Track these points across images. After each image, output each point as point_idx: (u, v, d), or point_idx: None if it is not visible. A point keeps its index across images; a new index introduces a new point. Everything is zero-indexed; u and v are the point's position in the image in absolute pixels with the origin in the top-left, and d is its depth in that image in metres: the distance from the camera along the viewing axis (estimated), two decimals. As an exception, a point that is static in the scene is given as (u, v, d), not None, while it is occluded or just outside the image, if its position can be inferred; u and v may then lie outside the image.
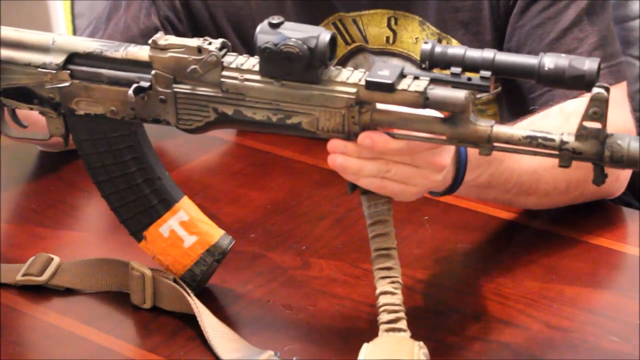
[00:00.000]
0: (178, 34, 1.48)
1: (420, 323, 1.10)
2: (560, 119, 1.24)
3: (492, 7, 1.37)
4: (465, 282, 1.17)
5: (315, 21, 1.44)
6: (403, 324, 1.02)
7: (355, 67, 1.46)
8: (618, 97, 1.28)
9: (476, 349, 1.07)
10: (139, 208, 1.12)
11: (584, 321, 1.11)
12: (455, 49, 0.97)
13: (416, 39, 1.42)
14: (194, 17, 1.48)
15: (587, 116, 0.93)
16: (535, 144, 0.96)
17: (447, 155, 1.05)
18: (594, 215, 1.28)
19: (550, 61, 0.95)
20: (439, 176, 1.05)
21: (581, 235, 1.25)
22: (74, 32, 2.24)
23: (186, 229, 1.13)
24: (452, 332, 1.09)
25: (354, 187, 1.04)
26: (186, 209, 1.13)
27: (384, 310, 1.02)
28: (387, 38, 1.43)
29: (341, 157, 1.02)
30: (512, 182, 1.19)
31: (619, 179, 1.28)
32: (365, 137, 1.00)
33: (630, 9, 1.59)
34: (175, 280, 1.13)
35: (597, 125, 0.93)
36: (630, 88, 1.60)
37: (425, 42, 0.98)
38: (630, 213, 1.31)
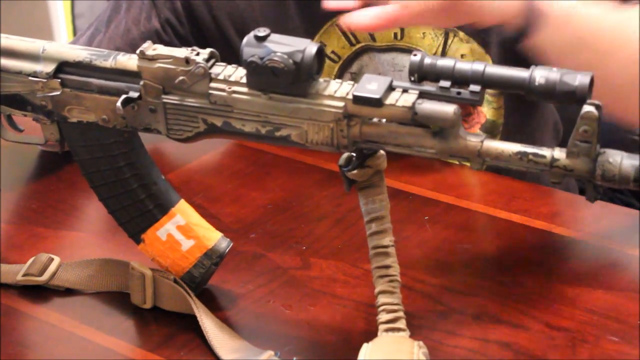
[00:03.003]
0: (179, 36, 1.48)
1: (420, 323, 1.10)
2: None
3: None
4: (465, 282, 1.17)
5: (319, 22, 1.44)
6: (402, 324, 1.02)
7: (361, 68, 1.47)
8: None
9: (476, 349, 1.07)
10: (135, 212, 1.12)
11: (584, 321, 1.11)
12: (445, 60, 0.96)
13: (423, 33, 1.42)
14: (196, 20, 1.48)
15: (577, 134, 0.92)
16: (526, 160, 0.95)
17: None
18: (594, 215, 1.28)
19: (540, 75, 0.94)
20: None
21: (581, 235, 1.25)
22: (74, 33, 2.25)
23: (183, 232, 1.13)
24: (452, 332, 1.09)
25: (350, 184, 1.04)
26: (183, 214, 1.13)
27: (383, 310, 1.02)
28: (395, 34, 1.44)
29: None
30: None
31: None
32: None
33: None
34: (175, 281, 1.13)
35: (588, 143, 0.93)
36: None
37: (414, 54, 0.97)
38: (630, 213, 1.31)
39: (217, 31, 1.47)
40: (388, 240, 1.03)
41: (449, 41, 1.42)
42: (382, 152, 1.03)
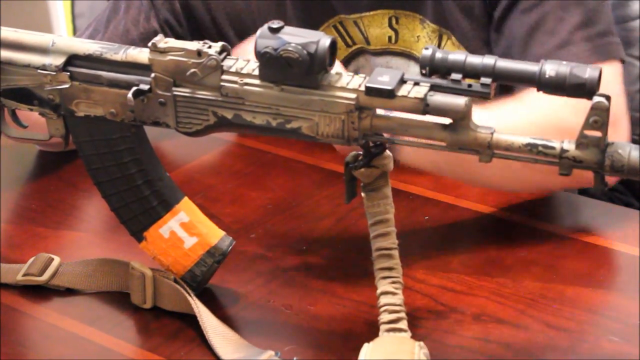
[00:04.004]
0: (178, 37, 1.47)
1: (420, 323, 1.10)
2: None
3: None
4: (465, 282, 1.17)
5: (316, 24, 1.44)
6: (404, 324, 1.02)
7: (357, 69, 1.47)
8: (606, 75, 1.27)
9: (476, 349, 1.07)
10: (139, 209, 1.12)
11: (584, 321, 1.11)
12: (456, 55, 0.97)
13: (417, 37, 1.42)
14: (195, 20, 1.48)
15: (587, 125, 0.93)
16: (535, 152, 0.95)
17: None
18: (594, 215, 1.28)
19: (551, 68, 0.94)
20: None
21: (581, 235, 1.25)
22: (74, 32, 2.24)
23: (186, 230, 1.13)
24: (452, 332, 1.10)
25: (351, 195, 1.04)
26: (186, 211, 1.13)
27: (384, 311, 1.02)
28: (389, 38, 1.44)
29: None
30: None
31: None
32: None
33: (631, 9, 1.59)
34: (176, 280, 1.13)
35: (597, 133, 0.93)
36: (631, 88, 1.60)
37: (426, 48, 0.97)
38: (630, 213, 1.31)
39: (216, 32, 1.47)
40: (391, 242, 1.03)
41: (442, 44, 1.42)
42: (388, 152, 1.03)
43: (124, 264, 1.16)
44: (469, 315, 1.12)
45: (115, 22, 1.47)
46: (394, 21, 1.42)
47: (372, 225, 1.04)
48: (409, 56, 1.44)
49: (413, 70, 1.43)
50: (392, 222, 1.04)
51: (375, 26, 1.43)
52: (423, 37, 1.42)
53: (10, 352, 1.09)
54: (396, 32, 1.43)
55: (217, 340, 1.06)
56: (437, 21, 1.40)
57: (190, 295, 1.11)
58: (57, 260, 1.19)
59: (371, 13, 1.43)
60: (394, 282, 1.02)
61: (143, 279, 1.13)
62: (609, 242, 1.23)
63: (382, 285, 1.03)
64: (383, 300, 1.02)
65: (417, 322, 1.10)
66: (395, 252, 1.03)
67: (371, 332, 1.03)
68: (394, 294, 1.02)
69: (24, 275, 1.18)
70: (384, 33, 1.43)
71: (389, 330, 1.02)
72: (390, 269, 1.03)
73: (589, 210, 1.28)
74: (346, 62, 1.48)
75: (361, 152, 1.03)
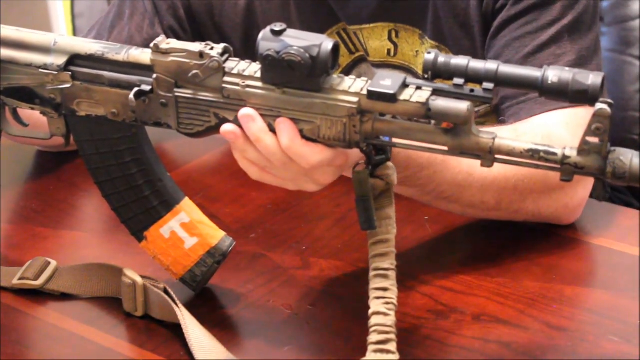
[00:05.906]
0: None
1: (421, 323, 1.10)
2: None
3: (479, 7, 1.36)
4: (465, 282, 1.17)
5: (320, 30, 1.44)
6: (392, 346, 1.00)
7: (359, 76, 1.46)
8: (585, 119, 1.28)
9: (476, 349, 1.07)
10: (139, 209, 1.13)
11: (584, 321, 1.11)
12: (459, 59, 0.96)
13: (416, 52, 1.42)
14: (198, 27, 1.47)
15: (589, 131, 0.92)
16: (537, 158, 0.95)
17: (330, 175, 1.05)
18: (594, 215, 1.28)
19: (554, 74, 0.94)
20: (315, 188, 1.07)
21: (581, 235, 1.25)
22: (74, 32, 2.25)
23: (187, 230, 1.13)
24: (452, 332, 1.10)
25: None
26: (187, 211, 1.13)
27: (374, 331, 1.00)
28: (388, 51, 1.43)
29: (236, 129, 1.03)
30: (430, 187, 1.18)
31: (568, 206, 1.24)
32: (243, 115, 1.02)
33: (630, 9, 1.59)
34: (166, 291, 1.11)
35: (599, 140, 0.93)
36: (630, 88, 1.60)
37: (429, 52, 0.97)
38: (630, 213, 1.31)
39: (219, 38, 1.47)
40: (389, 263, 1.02)
41: None
42: (391, 164, 1.03)
43: (118, 270, 1.15)
44: (469, 315, 1.12)
45: (119, 28, 1.46)
46: (393, 34, 1.42)
47: (371, 244, 1.03)
48: (407, 70, 1.43)
49: None
50: (392, 242, 1.03)
51: (375, 38, 1.43)
52: (422, 53, 1.42)
53: (10, 352, 1.09)
54: (395, 45, 1.42)
55: (200, 354, 1.04)
56: (435, 38, 1.39)
57: (177, 307, 1.09)
58: (53, 264, 1.18)
59: (371, 25, 1.42)
60: (387, 303, 1.00)
61: (134, 287, 1.12)
62: (609, 242, 1.23)
63: (375, 306, 1.01)
64: (374, 320, 1.00)
65: (417, 322, 1.10)
66: (392, 274, 1.02)
67: (371, 332, 1.03)
68: (385, 314, 1.00)
69: (20, 279, 1.17)
70: (383, 46, 1.43)
71: (376, 351, 0.99)
72: (385, 289, 1.01)
73: (589, 210, 1.28)
74: (349, 69, 1.47)
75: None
